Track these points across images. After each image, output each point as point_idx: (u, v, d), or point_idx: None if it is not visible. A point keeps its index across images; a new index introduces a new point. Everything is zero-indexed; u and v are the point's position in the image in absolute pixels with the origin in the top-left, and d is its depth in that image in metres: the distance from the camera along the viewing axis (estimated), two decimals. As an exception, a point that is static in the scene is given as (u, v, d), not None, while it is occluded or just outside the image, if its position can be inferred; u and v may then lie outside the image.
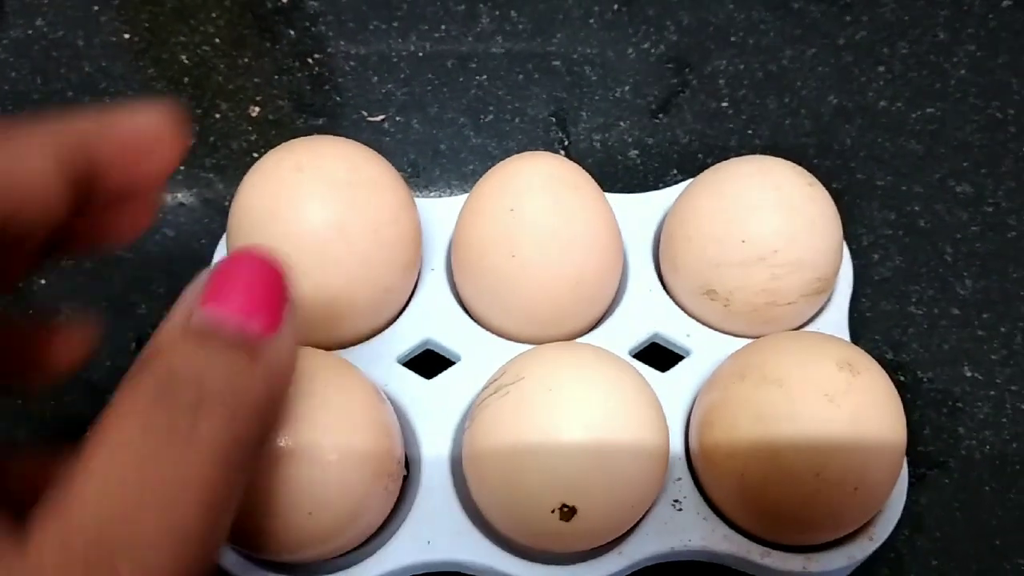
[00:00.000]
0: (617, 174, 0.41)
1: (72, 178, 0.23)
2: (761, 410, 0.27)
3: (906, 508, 0.31)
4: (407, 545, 0.29)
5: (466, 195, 0.33)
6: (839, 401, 0.27)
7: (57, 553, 0.17)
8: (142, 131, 0.25)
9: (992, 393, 0.36)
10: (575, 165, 0.32)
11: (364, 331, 0.32)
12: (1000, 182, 0.42)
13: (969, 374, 0.37)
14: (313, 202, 0.30)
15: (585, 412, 0.27)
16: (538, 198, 0.31)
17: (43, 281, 0.37)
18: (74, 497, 0.18)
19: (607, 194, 0.33)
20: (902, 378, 0.37)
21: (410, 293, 0.34)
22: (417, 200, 0.35)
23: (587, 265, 0.31)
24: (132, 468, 0.18)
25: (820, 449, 0.26)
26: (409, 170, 0.41)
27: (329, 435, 0.26)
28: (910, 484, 0.31)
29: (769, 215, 0.31)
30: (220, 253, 0.34)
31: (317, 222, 0.29)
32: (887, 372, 0.29)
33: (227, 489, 0.20)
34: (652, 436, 0.27)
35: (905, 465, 0.30)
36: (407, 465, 0.30)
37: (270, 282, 0.23)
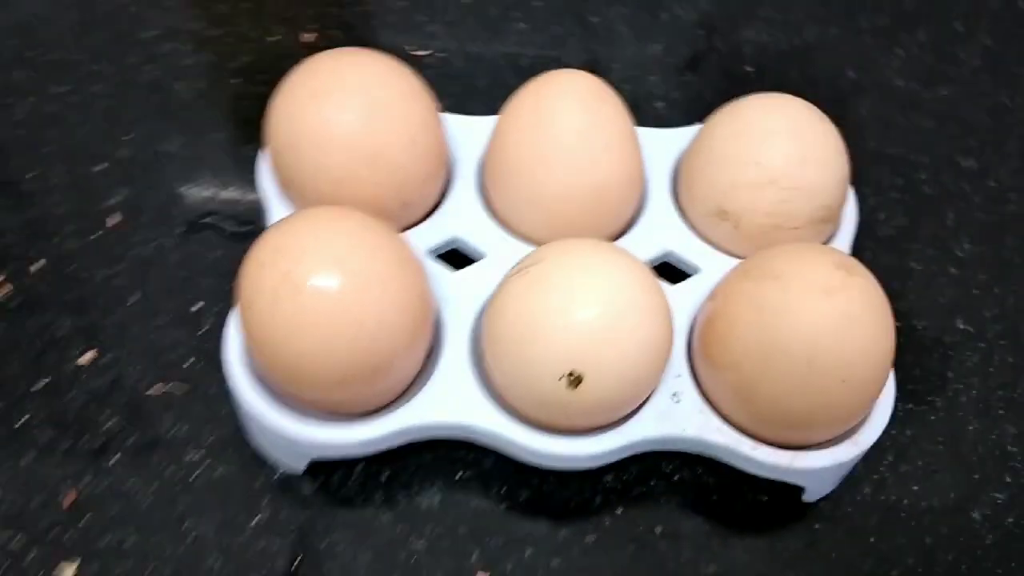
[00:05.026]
0: (642, 121, 0.43)
1: None
2: (759, 302, 0.29)
3: (892, 437, 0.33)
4: (424, 405, 0.31)
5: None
6: (833, 295, 0.28)
7: None
8: None
9: (982, 345, 0.38)
10: (604, 83, 0.34)
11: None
12: (1004, 161, 0.44)
13: (962, 326, 0.39)
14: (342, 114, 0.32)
15: (598, 289, 0.29)
16: (568, 108, 0.33)
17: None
18: None
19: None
20: (897, 324, 0.38)
21: (435, 202, 0.36)
22: (452, 117, 0.38)
23: (611, 174, 0.33)
24: None
25: (812, 339, 0.28)
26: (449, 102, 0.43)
27: (393, 271, 0.29)
28: (898, 417, 0.33)
29: (782, 141, 0.33)
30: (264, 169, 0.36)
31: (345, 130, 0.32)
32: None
33: None
34: (658, 320, 0.29)
35: (892, 379, 0.32)
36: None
37: None
